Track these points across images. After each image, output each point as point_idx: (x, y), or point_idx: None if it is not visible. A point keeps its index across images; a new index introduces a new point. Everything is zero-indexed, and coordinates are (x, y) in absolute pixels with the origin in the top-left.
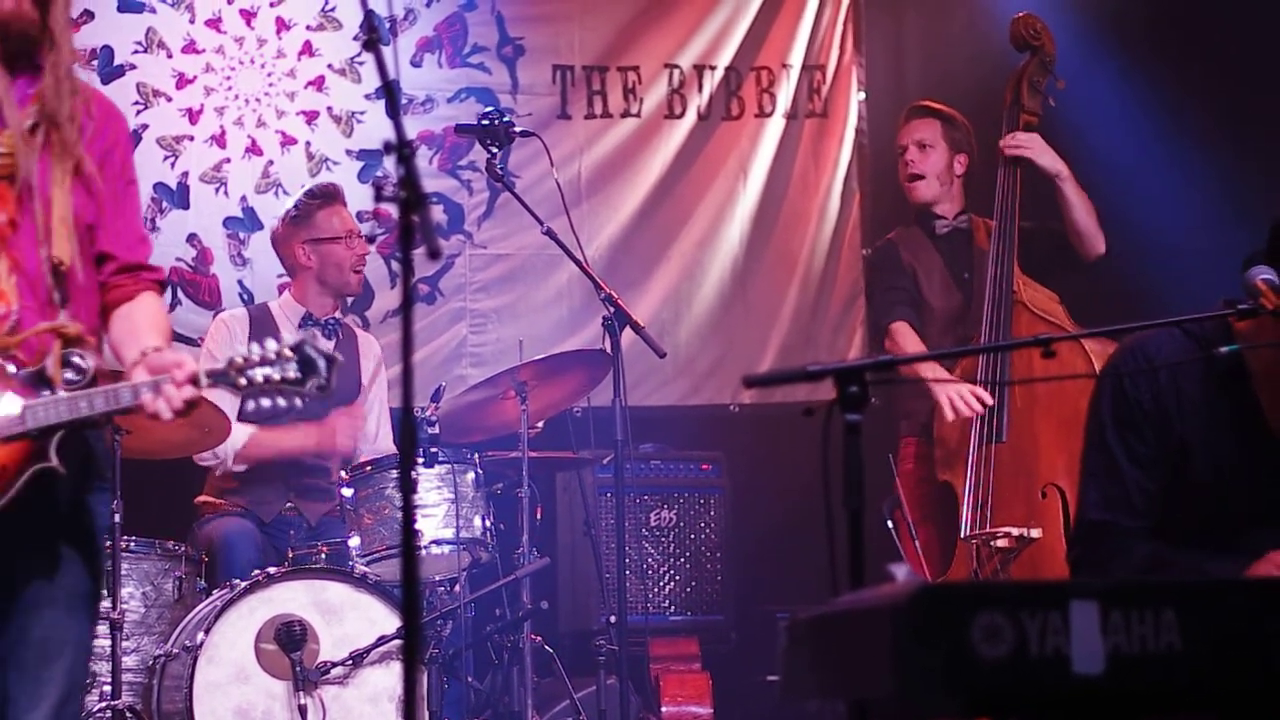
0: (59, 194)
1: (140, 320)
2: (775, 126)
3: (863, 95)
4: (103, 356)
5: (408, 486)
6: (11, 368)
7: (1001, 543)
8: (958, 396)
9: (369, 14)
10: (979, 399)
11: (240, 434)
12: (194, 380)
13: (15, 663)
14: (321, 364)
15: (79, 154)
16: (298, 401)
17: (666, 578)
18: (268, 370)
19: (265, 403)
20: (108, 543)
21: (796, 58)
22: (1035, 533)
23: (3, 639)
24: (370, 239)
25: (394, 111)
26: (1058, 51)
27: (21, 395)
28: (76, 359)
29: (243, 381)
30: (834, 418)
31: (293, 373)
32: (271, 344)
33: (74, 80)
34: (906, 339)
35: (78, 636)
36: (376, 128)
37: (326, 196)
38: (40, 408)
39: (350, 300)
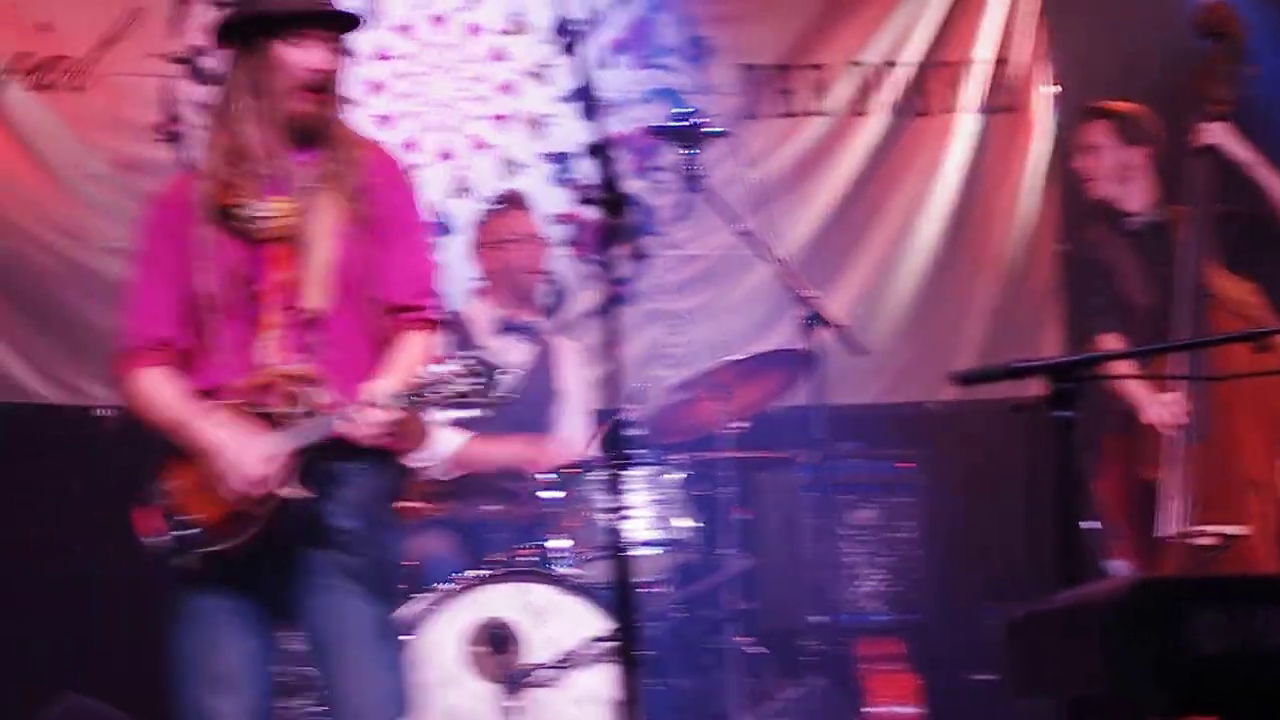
0: (322, 247)
1: (388, 361)
2: (965, 122)
3: (1054, 89)
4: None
5: (616, 489)
6: (260, 410)
7: (1205, 541)
8: (1164, 411)
9: (563, 19)
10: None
11: (452, 441)
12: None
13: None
14: (494, 378)
15: (354, 210)
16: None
17: (869, 577)
18: (443, 389)
19: (440, 416)
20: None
21: (983, 52)
22: (1240, 530)
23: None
24: (566, 243)
25: (593, 114)
26: (1248, 37)
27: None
28: (303, 398)
29: (418, 399)
30: (1042, 414)
31: (465, 387)
32: (448, 365)
33: (353, 146)
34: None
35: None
36: (567, 130)
37: (505, 202)
38: (274, 441)
39: (546, 305)
